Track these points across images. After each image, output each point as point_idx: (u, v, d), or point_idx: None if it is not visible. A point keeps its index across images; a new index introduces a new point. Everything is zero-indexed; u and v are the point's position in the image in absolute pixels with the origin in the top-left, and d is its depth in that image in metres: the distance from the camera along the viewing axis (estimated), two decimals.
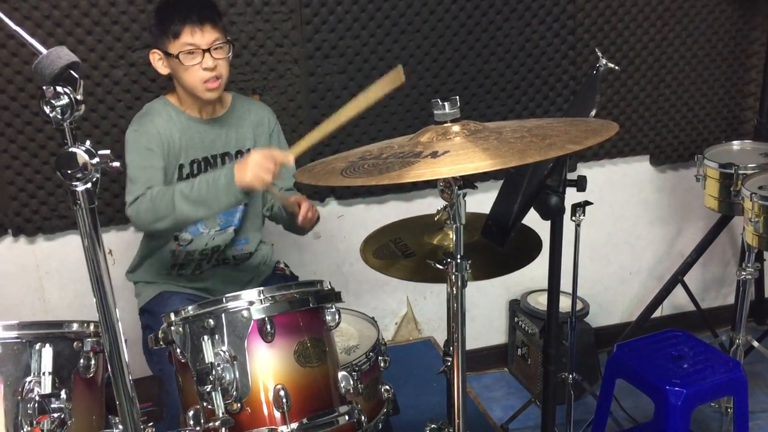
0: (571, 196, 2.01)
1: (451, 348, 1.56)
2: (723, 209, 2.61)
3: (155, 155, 2.03)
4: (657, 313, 3.06)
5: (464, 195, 1.41)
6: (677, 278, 2.94)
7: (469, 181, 1.40)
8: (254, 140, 2.20)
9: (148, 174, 2.00)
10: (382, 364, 1.93)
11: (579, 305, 2.80)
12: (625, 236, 3.17)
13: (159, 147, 2.04)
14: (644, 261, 3.24)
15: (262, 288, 1.58)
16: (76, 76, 1.06)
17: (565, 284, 2.18)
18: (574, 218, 2.16)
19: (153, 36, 2.06)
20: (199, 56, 1.98)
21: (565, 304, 2.44)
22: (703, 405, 2.50)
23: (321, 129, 1.90)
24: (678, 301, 3.15)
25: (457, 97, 1.45)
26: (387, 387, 1.92)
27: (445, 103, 1.43)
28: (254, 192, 1.97)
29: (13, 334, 1.40)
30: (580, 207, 2.15)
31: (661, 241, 3.23)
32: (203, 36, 1.98)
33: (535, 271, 2.03)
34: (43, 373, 1.39)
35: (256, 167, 1.84)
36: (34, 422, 1.36)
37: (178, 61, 1.98)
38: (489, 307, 3.09)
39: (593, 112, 1.77)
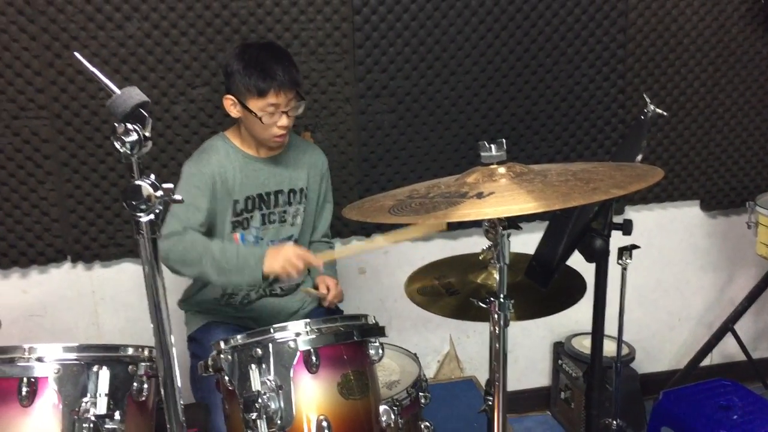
0: (619, 239, 2.00)
1: (493, 388, 1.56)
2: None
3: (202, 196, 2.08)
4: (706, 362, 2.99)
5: (509, 235, 1.42)
6: (727, 326, 2.88)
7: (513, 222, 1.42)
8: (308, 180, 2.27)
9: (189, 213, 2.06)
10: (422, 401, 1.94)
11: (625, 350, 2.76)
12: (674, 282, 3.13)
13: (209, 188, 2.09)
14: (693, 308, 3.18)
15: (308, 320, 1.63)
16: (146, 114, 1.13)
17: (611, 328, 2.16)
18: (620, 262, 2.14)
19: (232, 83, 2.06)
20: (277, 116, 2.04)
21: (610, 348, 2.40)
22: None
23: (352, 248, 2.14)
24: (728, 349, 3.08)
25: (504, 139, 1.48)
26: (427, 423, 1.93)
27: (492, 146, 1.45)
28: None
29: (73, 356, 1.47)
30: (626, 250, 2.14)
31: (711, 287, 3.17)
32: (285, 97, 2.03)
33: (580, 314, 2.03)
34: (99, 395, 1.45)
35: (288, 262, 1.97)
36: None
37: (257, 119, 2.03)
38: (533, 349, 3.07)
39: (639, 157, 1.78)
